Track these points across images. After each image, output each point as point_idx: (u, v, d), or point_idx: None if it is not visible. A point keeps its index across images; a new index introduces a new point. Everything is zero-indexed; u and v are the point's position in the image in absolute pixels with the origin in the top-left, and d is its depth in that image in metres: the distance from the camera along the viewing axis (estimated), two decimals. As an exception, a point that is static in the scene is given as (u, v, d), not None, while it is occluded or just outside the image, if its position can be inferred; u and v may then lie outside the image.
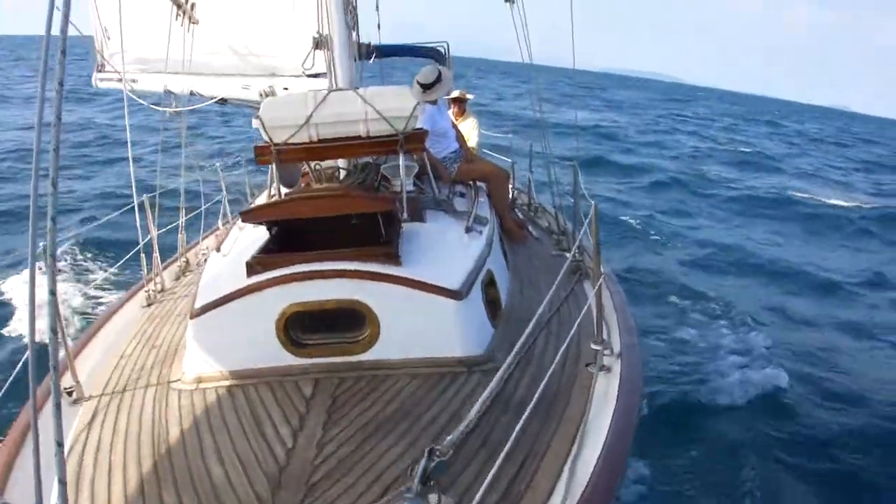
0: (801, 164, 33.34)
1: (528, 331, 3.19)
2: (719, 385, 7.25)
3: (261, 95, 6.63)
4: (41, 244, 1.94)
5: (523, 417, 2.77)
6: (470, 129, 8.15)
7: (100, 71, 7.71)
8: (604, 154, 26.52)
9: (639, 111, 57.01)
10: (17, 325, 8.71)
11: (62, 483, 1.72)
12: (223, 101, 7.26)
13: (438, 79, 6.11)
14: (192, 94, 7.07)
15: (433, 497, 1.72)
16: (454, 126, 6.79)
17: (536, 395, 2.78)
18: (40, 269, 1.90)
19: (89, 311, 8.94)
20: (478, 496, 2.24)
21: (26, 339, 8.12)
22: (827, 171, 31.53)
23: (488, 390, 2.51)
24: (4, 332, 8.56)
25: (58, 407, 1.74)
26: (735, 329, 9.05)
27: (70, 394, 3.79)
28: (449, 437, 2.18)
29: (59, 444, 1.72)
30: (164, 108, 6.91)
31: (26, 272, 3.93)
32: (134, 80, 7.31)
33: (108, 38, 7.36)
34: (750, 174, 27.29)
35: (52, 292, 1.75)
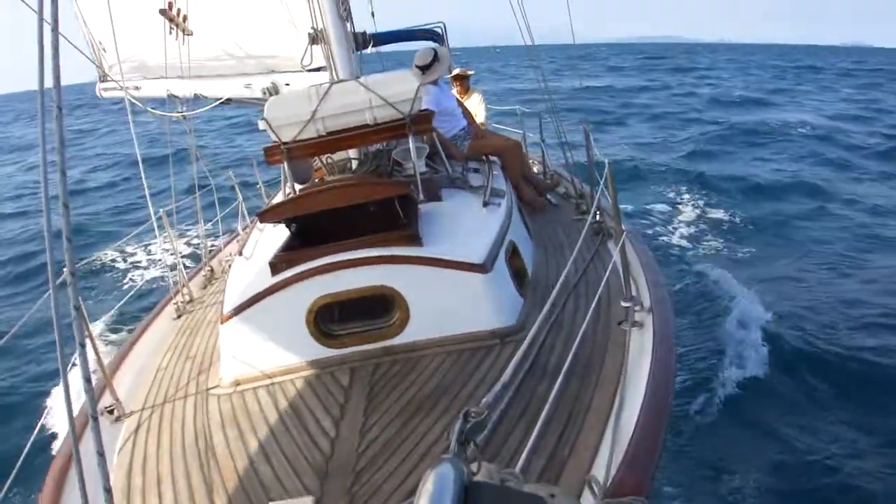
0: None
1: (553, 296, 3.16)
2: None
3: (264, 93, 6.63)
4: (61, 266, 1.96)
5: (558, 381, 2.76)
6: (476, 105, 8.11)
7: (102, 81, 7.75)
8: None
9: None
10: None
11: (107, 491, 1.74)
12: (228, 101, 7.27)
13: (435, 58, 6.13)
14: (195, 96, 7.09)
15: (474, 464, 1.71)
16: (460, 104, 6.77)
17: (570, 358, 2.77)
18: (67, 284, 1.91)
19: (120, 326, 9.08)
20: (520, 461, 2.24)
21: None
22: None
23: (520, 352, 2.50)
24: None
25: (94, 418, 1.76)
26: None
27: (111, 412, 3.83)
28: (484, 399, 2.17)
29: (101, 455, 1.74)
30: (170, 114, 6.94)
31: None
32: (137, 87, 7.35)
33: (105, 51, 7.39)
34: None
35: (77, 307, 1.76)
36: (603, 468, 2.48)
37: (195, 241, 7.56)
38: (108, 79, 7.62)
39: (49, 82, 1.74)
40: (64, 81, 1.78)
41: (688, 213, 13.45)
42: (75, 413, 2.02)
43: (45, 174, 1.84)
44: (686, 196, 14.78)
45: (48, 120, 1.74)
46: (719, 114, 28.05)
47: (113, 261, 12.54)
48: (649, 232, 11.93)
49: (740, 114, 27.89)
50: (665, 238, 11.77)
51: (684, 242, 11.52)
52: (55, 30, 1.74)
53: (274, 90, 6.59)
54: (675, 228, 12.36)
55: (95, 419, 1.76)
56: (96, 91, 8.01)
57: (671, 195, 15.01)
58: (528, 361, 3.37)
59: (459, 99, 7.26)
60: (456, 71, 8.18)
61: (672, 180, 16.24)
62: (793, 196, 14.40)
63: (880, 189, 15.18)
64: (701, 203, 14.07)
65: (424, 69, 6.13)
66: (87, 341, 3.98)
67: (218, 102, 7.09)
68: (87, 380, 1.79)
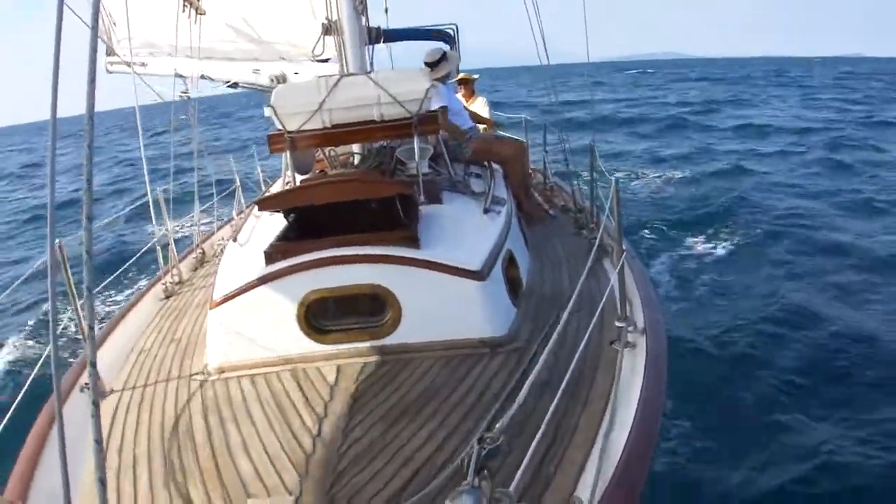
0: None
1: (546, 310, 3.13)
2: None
3: (271, 80, 6.61)
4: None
5: (547, 397, 2.73)
6: (480, 109, 8.12)
7: (109, 55, 7.69)
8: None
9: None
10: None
11: (101, 482, 1.68)
12: (234, 85, 7.23)
13: (444, 57, 6.18)
14: (202, 77, 7.04)
15: (486, 485, 1.67)
16: (465, 108, 6.79)
17: (568, 376, 2.74)
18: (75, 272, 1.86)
19: (106, 306, 9.01)
20: (516, 478, 2.20)
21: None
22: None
23: (534, 373, 2.46)
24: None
25: (96, 405, 1.70)
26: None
27: (88, 388, 3.77)
28: (497, 425, 2.13)
29: (98, 443, 1.68)
30: (176, 94, 6.88)
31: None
32: (143, 64, 7.29)
33: (115, 24, 7.34)
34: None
35: (90, 289, 1.72)
36: (588, 488, 2.44)
37: (189, 223, 7.48)
38: (115, 53, 7.56)
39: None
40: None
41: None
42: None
43: (52, 154, 1.77)
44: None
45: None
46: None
47: (104, 237, 12.47)
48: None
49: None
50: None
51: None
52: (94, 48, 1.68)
53: (282, 78, 6.57)
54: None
55: (97, 405, 1.71)
56: (103, 65, 7.93)
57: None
58: (525, 376, 3.34)
59: (464, 103, 7.27)
60: (461, 75, 8.19)
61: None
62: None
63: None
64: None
65: (432, 66, 6.16)
66: (79, 317, 3.95)
67: (224, 85, 7.05)
68: (94, 364, 1.74)
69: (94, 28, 1.68)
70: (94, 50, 1.67)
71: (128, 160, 29.59)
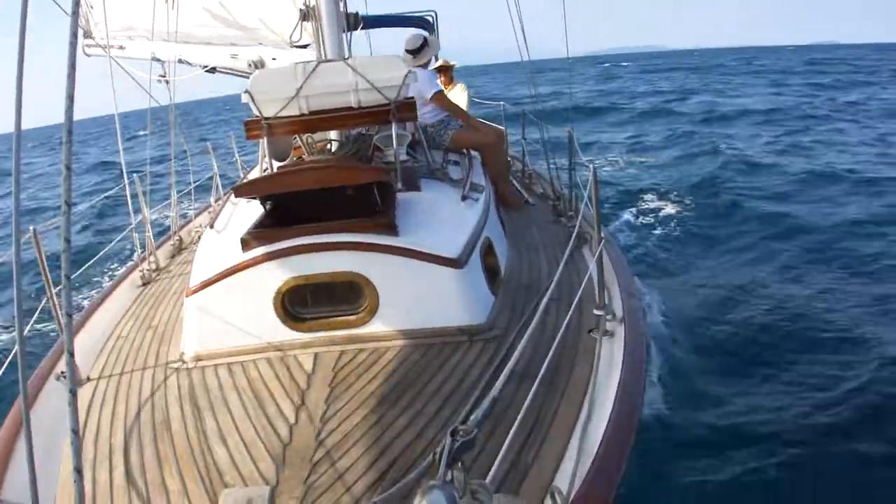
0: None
1: (524, 299, 3.13)
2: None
3: (249, 65, 6.55)
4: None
5: (524, 386, 2.73)
6: (459, 95, 8.09)
7: (86, 37, 7.58)
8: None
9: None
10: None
11: (78, 472, 1.67)
12: (213, 70, 7.16)
13: (425, 43, 6.18)
14: (180, 61, 6.96)
15: (459, 476, 1.67)
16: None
17: (539, 363, 2.74)
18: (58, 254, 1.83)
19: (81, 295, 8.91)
20: (493, 469, 2.22)
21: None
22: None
23: (511, 363, 2.46)
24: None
25: (73, 393, 1.69)
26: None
27: (65, 377, 3.74)
28: (472, 417, 2.14)
29: (75, 433, 1.67)
30: (154, 77, 6.81)
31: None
32: (121, 47, 7.20)
33: (91, 7, 7.23)
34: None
35: (68, 276, 1.70)
36: (567, 479, 2.45)
37: (166, 210, 7.42)
38: (92, 35, 7.45)
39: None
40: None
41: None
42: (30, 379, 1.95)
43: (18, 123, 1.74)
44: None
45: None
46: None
47: (81, 223, 12.32)
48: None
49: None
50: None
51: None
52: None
53: (260, 63, 6.51)
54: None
55: (74, 394, 1.69)
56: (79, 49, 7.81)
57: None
58: (503, 365, 3.34)
59: (444, 90, 7.25)
60: (440, 62, 8.16)
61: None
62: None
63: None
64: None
65: (414, 53, 6.17)
66: (54, 305, 3.90)
67: (202, 70, 6.98)
68: (71, 353, 1.73)
69: (76, 13, 1.66)
70: (74, 35, 1.65)
71: (105, 164, 28.95)
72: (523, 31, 6.47)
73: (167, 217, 7.48)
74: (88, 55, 7.92)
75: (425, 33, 6.76)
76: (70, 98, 1.63)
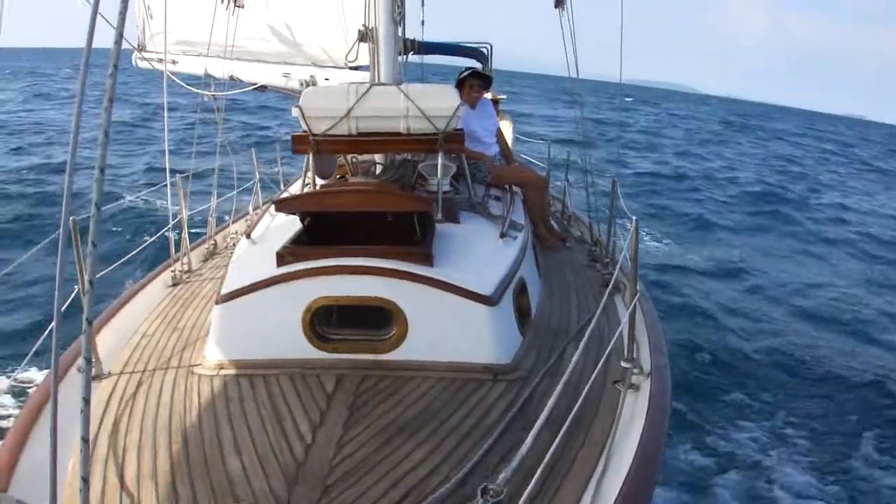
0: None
1: (552, 343, 3.07)
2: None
3: (301, 85, 6.60)
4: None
5: (558, 437, 2.67)
6: (505, 130, 8.10)
7: (140, 50, 7.73)
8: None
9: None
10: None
11: (84, 480, 1.65)
12: (262, 88, 7.24)
13: (490, 83, 6.24)
14: (231, 78, 7.06)
15: None
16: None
17: (570, 413, 2.68)
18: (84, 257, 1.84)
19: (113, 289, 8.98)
20: None
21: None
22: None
23: (542, 417, 2.41)
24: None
25: (86, 401, 1.67)
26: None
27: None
28: (502, 475, 2.09)
29: (85, 441, 1.65)
30: (203, 92, 6.89)
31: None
32: (174, 62, 7.31)
33: (151, 18, 7.38)
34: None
35: (92, 282, 1.69)
36: None
37: (201, 213, 7.48)
38: (147, 49, 7.61)
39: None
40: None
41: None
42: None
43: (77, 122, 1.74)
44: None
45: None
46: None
47: (118, 217, 12.48)
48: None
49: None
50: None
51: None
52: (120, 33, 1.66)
53: (312, 83, 6.57)
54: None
55: (87, 402, 1.67)
56: (132, 60, 7.98)
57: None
58: (524, 408, 3.30)
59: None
60: (487, 95, 8.19)
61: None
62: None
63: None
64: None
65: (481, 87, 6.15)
66: (82, 296, 3.91)
67: (252, 87, 7.06)
68: (88, 360, 1.74)
69: (122, 14, 1.67)
70: (120, 34, 1.66)
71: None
72: (575, 53, 6.46)
73: (200, 211, 7.52)
74: (137, 67, 8.09)
75: (478, 65, 6.74)
76: (110, 100, 1.63)
